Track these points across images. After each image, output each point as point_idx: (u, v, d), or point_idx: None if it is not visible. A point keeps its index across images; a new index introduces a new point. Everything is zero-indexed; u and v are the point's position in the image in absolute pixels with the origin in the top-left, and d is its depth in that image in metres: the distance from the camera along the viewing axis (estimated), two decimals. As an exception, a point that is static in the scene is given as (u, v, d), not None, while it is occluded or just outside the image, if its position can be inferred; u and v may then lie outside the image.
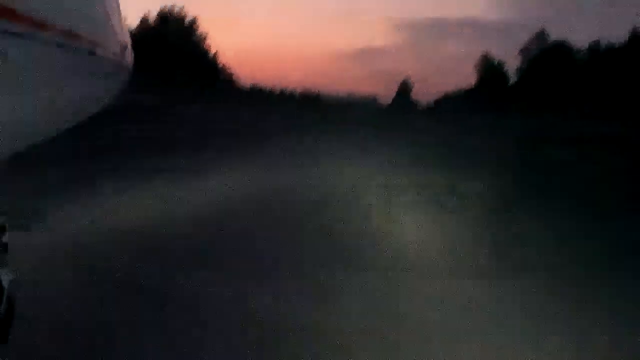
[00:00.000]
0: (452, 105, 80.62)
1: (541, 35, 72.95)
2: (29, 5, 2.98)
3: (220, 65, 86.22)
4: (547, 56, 69.65)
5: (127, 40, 6.34)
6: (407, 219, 12.38)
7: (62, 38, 3.53)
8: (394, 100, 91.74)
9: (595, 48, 67.52)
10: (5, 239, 4.64)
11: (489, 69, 78.83)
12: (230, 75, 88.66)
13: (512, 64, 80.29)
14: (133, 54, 6.81)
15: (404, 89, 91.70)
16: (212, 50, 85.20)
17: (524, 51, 72.13)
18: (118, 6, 5.80)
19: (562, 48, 71.17)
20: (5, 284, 4.44)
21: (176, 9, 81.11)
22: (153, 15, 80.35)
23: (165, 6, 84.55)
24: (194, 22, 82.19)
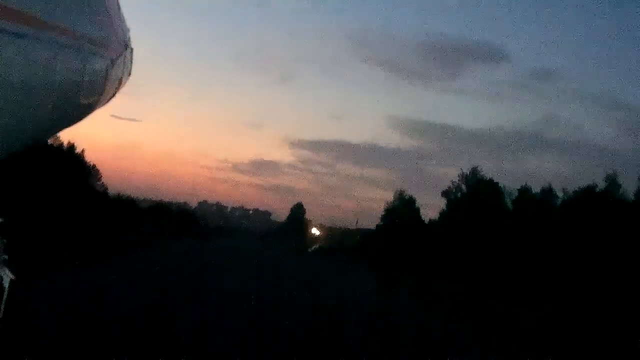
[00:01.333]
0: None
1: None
2: (29, 5, 2.97)
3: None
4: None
5: (128, 39, 6.33)
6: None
7: (63, 38, 3.53)
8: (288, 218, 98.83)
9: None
10: (4, 239, 4.62)
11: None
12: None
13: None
14: (133, 53, 6.80)
15: (298, 210, 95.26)
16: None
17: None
18: (118, 6, 5.80)
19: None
20: (5, 284, 4.42)
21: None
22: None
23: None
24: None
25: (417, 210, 66.26)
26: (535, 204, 45.95)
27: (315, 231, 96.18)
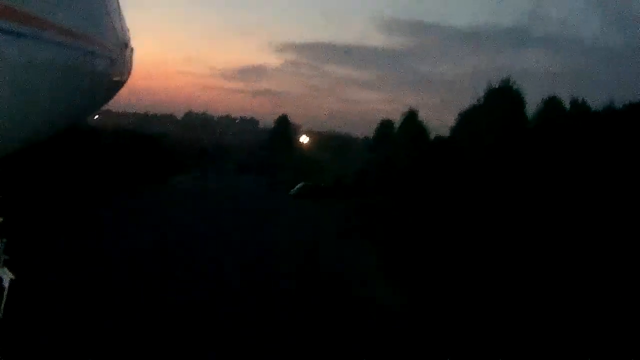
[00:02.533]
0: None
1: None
2: (30, 5, 2.98)
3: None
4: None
5: (128, 39, 6.33)
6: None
7: (63, 38, 3.53)
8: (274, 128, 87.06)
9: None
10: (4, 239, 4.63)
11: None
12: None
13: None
14: (134, 52, 6.81)
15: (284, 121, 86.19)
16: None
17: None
18: (119, 6, 5.81)
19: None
20: (5, 283, 4.43)
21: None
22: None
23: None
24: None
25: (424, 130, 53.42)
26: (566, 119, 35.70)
27: (304, 139, 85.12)
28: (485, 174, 32.08)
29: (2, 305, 4.34)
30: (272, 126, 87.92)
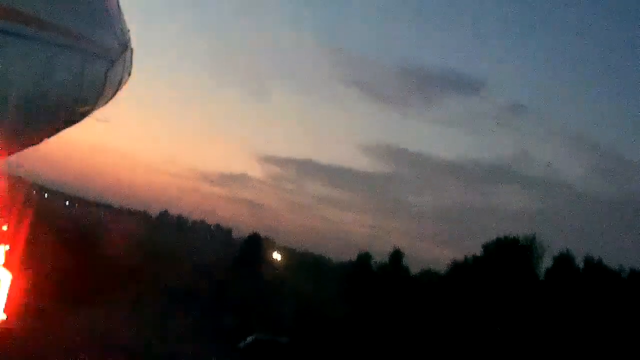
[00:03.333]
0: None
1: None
2: (30, 5, 2.99)
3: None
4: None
5: (128, 40, 6.33)
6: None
7: (63, 39, 3.54)
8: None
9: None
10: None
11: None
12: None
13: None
14: (133, 53, 6.80)
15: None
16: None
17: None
18: (119, 6, 5.81)
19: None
20: (3, 283, 4.43)
21: None
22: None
23: None
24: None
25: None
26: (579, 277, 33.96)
27: (277, 255, 79.08)
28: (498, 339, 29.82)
29: (2, 304, 4.35)
30: (246, 238, 77.94)
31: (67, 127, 5.32)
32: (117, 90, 6.08)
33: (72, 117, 5.07)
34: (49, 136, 4.78)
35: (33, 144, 4.66)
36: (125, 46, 5.94)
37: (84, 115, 5.32)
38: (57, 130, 4.90)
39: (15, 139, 3.80)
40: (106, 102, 5.97)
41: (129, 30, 6.10)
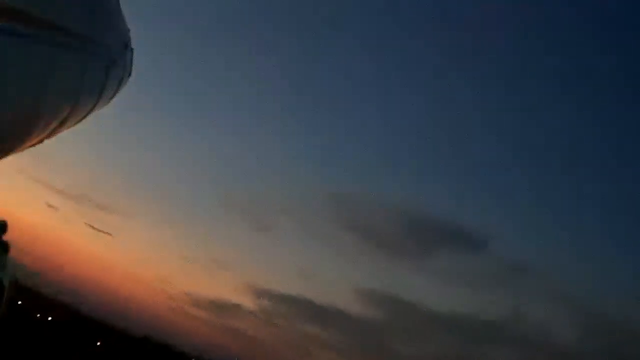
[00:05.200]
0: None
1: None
2: (29, 4, 2.97)
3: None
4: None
5: (128, 40, 6.32)
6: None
7: (63, 37, 3.52)
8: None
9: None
10: (6, 239, 4.63)
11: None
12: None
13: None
14: (133, 53, 6.79)
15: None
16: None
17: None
18: (119, 6, 5.79)
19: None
20: (5, 284, 4.43)
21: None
22: None
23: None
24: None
25: None
26: None
27: None
28: None
29: (3, 304, 4.35)
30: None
31: (67, 127, 5.30)
32: (117, 91, 6.06)
33: (72, 118, 5.05)
34: (48, 137, 4.76)
35: (32, 145, 4.64)
36: (125, 46, 5.92)
37: (83, 115, 5.30)
38: (57, 131, 4.89)
39: (15, 140, 3.78)
40: (106, 103, 5.95)
41: (129, 30, 6.08)
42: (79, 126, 5.57)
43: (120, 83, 6.02)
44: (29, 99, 3.37)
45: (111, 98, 6.07)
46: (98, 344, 53.38)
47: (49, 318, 54.85)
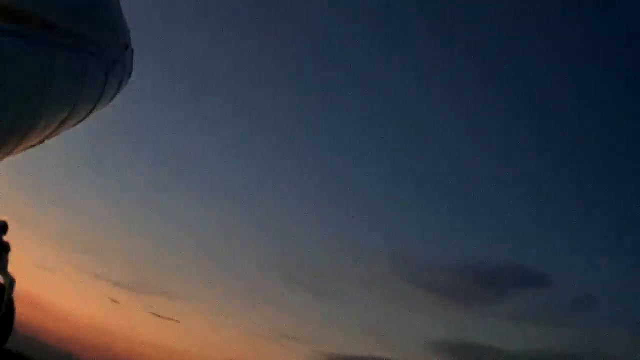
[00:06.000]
0: None
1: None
2: (29, 4, 2.96)
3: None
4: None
5: (128, 40, 6.31)
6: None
7: (63, 37, 3.51)
8: None
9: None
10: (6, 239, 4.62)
11: None
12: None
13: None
14: (134, 53, 6.78)
15: None
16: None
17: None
18: (119, 6, 5.78)
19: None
20: (6, 285, 4.43)
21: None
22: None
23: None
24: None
25: None
26: None
27: None
28: None
29: (4, 303, 4.35)
30: None
31: (67, 128, 5.29)
32: (117, 91, 6.05)
33: (72, 118, 5.05)
34: (49, 138, 4.76)
35: (33, 145, 4.64)
36: (125, 46, 5.91)
37: (84, 116, 5.30)
38: (57, 131, 4.88)
39: (15, 141, 3.77)
40: (107, 103, 5.94)
41: (129, 30, 6.07)
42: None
43: (120, 83, 6.01)
44: (29, 99, 3.36)
45: (112, 99, 6.06)
46: None
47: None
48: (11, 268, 5.87)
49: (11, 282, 5.33)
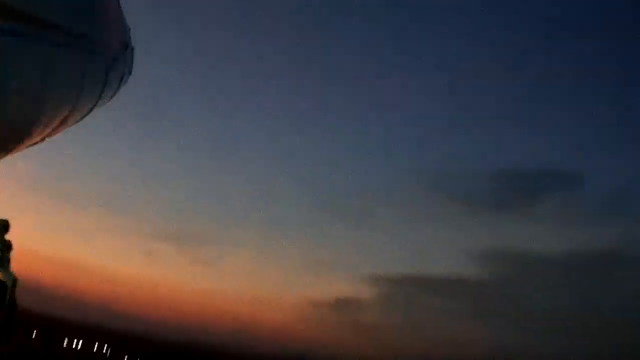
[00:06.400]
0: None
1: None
2: (29, 4, 2.98)
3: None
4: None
5: (128, 39, 6.33)
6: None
7: (63, 37, 3.54)
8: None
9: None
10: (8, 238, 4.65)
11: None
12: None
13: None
14: (134, 52, 6.80)
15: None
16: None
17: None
18: (119, 5, 5.80)
19: None
20: (8, 284, 4.45)
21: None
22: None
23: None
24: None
25: None
26: None
27: None
28: None
29: (5, 302, 4.37)
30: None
31: (68, 126, 5.32)
32: (117, 89, 6.08)
33: (73, 116, 5.07)
34: (50, 135, 4.78)
35: (34, 143, 4.66)
36: (125, 45, 5.93)
37: (85, 114, 5.32)
38: (58, 129, 4.90)
39: (16, 138, 3.80)
40: (107, 101, 5.97)
41: (129, 29, 6.10)
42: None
43: (120, 81, 6.03)
44: (31, 97, 3.39)
45: (112, 96, 6.08)
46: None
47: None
48: (16, 266, 5.87)
49: (14, 280, 5.36)
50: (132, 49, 6.45)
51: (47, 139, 4.72)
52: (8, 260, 5.47)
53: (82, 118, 5.30)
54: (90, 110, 5.35)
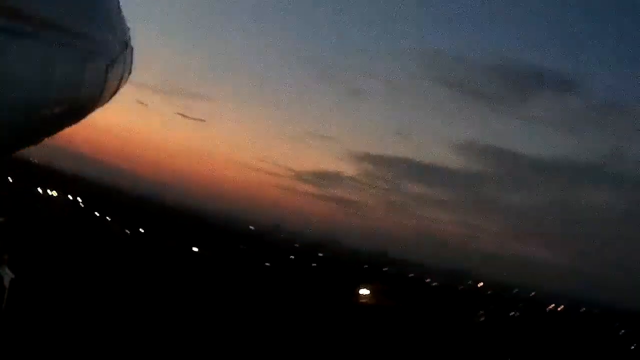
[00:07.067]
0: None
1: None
2: (29, 3, 2.98)
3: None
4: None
5: (128, 38, 6.32)
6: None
7: (63, 36, 3.53)
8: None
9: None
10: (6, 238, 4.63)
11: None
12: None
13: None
14: (134, 52, 6.80)
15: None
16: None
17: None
18: (118, 5, 5.80)
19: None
20: (6, 283, 4.44)
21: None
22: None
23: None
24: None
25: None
26: None
27: (364, 291, 71.56)
28: None
29: (4, 302, 4.36)
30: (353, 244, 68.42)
31: (67, 126, 5.32)
32: (117, 89, 6.07)
33: (72, 116, 5.07)
34: (49, 135, 4.78)
35: (34, 144, 4.66)
36: (125, 44, 5.93)
37: (84, 113, 5.32)
38: (57, 129, 4.90)
39: (15, 138, 3.79)
40: (107, 101, 5.96)
41: (129, 29, 6.09)
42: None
43: (120, 81, 6.03)
44: (30, 97, 3.38)
45: (112, 96, 6.08)
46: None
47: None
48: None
49: (10, 278, 5.35)
50: (132, 48, 6.44)
51: (46, 139, 4.72)
52: (4, 259, 5.45)
53: (82, 118, 5.29)
54: (91, 109, 5.35)
